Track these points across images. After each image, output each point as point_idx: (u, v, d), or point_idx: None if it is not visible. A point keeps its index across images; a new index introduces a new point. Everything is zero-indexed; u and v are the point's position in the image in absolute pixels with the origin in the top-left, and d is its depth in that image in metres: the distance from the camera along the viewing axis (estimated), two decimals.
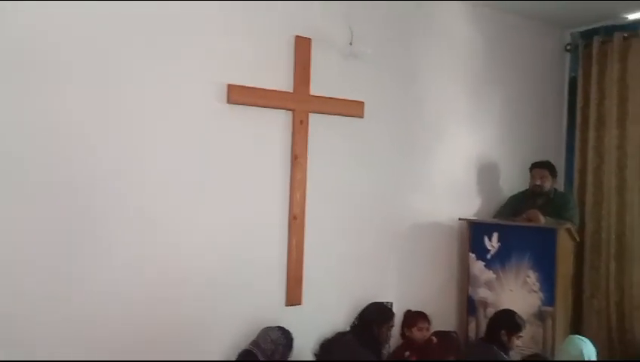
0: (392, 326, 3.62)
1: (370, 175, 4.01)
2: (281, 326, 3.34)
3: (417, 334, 3.72)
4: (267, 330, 3.27)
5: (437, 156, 4.41)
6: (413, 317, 3.81)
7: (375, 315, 3.56)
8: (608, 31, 4.87)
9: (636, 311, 4.59)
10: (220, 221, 3.37)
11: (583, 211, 4.86)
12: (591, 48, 4.98)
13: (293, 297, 3.66)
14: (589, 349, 3.29)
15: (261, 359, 3.11)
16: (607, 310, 4.77)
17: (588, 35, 5.03)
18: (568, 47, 5.20)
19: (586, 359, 3.21)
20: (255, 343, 3.22)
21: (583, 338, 3.40)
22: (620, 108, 4.78)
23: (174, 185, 3.21)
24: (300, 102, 3.65)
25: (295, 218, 3.66)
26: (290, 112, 3.62)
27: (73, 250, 2.90)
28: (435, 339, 3.16)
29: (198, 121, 3.28)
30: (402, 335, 3.87)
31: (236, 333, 3.38)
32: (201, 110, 3.29)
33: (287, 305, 3.64)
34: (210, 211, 3.33)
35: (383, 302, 3.69)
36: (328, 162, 3.80)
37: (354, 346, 3.39)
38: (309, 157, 3.69)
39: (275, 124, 3.59)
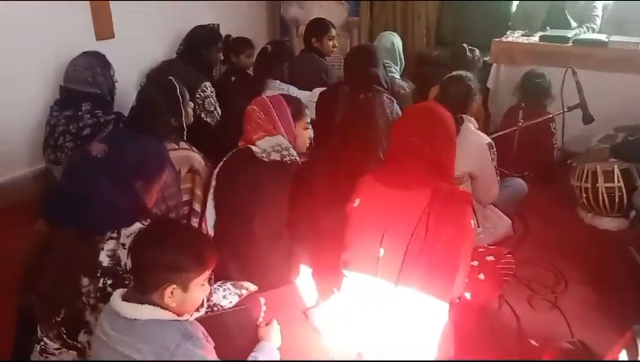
0: (221, 48, 3.52)
1: None
2: (86, 50, 2.96)
3: (245, 60, 3.71)
4: (73, 61, 2.87)
5: None
6: (240, 44, 3.73)
7: (203, 37, 3.38)
8: None
9: None
10: None
11: None
12: None
13: (103, 30, 3.27)
14: (397, 40, 3.72)
15: (82, 89, 2.77)
16: None
17: None
18: None
19: (396, 48, 3.66)
20: (67, 78, 2.85)
21: (393, 32, 3.81)
22: None
23: None
24: None
25: None
26: None
27: None
28: (269, 47, 3.20)
29: None
30: (227, 61, 3.82)
31: (48, 80, 2.97)
32: None
33: (98, 39, 3.26)
34: None
35: (208, 24, 3.50)
36: None
37: (184, 70, 3.27)
38: None
39: None
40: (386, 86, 2.91)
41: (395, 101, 2.89)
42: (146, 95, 2.21)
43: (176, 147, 2.15)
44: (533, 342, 2.05)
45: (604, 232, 2.88)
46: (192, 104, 2.33)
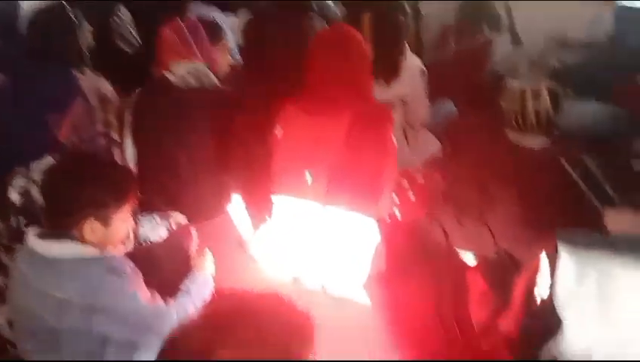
0: None
1: None
2: None
3: None
4: None
5: None
6: None
7: None
8: None
9: None
10: None
11: None
12: None
13: None
14: None
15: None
16: None
17: None
18: None
19: None
20: None
21: None
22: None
23: None
24: None
25: None
26: None
27: None
28: None
29: None
30: None
31: None
32: None
33: None
34: None
35: None
36: None
37: None
38: None
39: None
40: (316, 9, 2.79)
41: (326, 25, 2.78)
42: (37, 19, 2.00)
43: (81, 75, 1.98)
44: (460, 256, 2.14)
45: (528, 150, 2.97)
46: (92, 27, 2.14)
